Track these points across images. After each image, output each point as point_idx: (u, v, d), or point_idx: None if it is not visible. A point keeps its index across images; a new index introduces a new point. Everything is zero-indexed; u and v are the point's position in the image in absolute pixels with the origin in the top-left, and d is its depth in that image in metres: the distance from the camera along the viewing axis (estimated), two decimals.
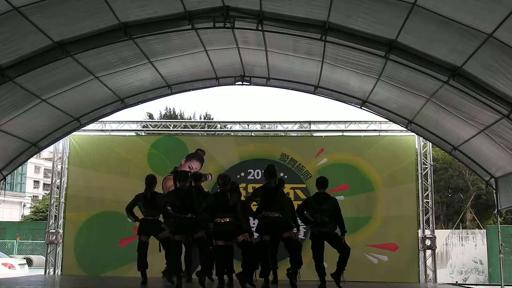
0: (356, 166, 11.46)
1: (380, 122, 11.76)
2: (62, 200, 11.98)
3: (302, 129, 12.40)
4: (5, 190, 12.12)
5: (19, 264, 15.92)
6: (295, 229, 7.52)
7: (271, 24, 7.86)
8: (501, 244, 10.77)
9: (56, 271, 11.68)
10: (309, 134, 12.72)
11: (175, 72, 10.31)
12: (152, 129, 12.99)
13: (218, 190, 7.28)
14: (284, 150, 11.69)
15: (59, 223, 11.92)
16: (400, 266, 10.98)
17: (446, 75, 7.50)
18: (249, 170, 11.58)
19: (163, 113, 30.47)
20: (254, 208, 7.82)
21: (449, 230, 20.86)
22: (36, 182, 49.76)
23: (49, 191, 17.49)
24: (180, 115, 30.42)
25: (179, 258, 7.22)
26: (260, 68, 10.51)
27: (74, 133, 11.32)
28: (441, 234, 18.39)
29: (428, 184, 11.58)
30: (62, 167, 12.15)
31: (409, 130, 10.63)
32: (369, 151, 11.54)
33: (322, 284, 7.19)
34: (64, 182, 12.04)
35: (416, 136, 11.27)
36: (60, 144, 12.06)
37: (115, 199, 10.89)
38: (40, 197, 43.30)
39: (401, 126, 10.68)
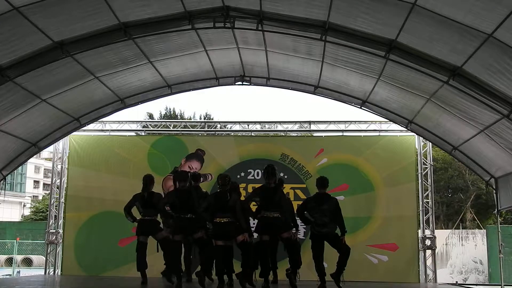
0: (356, 166, 11.46)
1: (380, 122, 11.76)
2: (62, 200, 11.98)
3: (302, 129, 12.40)
4: (5, 190, 12.12)
5: None
6: (294, 229, 7.52)
7: (271, 24, 7.86)
8: (501, 244, 10.77)
9: (56, 271, 11.68)
10: (309, 134, 12.72)
11: (175, 72, 10.31)
12: (152, 129, 12.99)
13: (218, 190, 7.28)
14: (284, 150, 11.69)
15: (59, 223, 11.92)
16: (400, 266, 10.98)
17: (446, 75, 7.50)
18: (249, 170, 11.58)
19: (163, 113, 30.48)
20: (253, 208, 7.82)
21: (449, 230, 20.86)
22: (36, 182, 49.72)
23: (49, 191, 17.49)
24: (180, 115, 30.41)
25: (179, 258, 7.22)
26: (260, 68, 10.51)
27: (74, 133, 11.32)
28: (441, 234, 18.38)
29: (428, 184, 11.58)
30: (62, 167, 12.15)
31: (409, 130, 10.63)
32: (369, 151, 11.53)
33: (322, 284, 7.19)
34: (64, 182, 12.05)
35: (416, 136, 11.27)
36: (60, 144, 12.06)
37: (115, 199, 10.86)
38: (40, 197, 43.24)
39: (401, 126, 10.67)
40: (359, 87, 9.81)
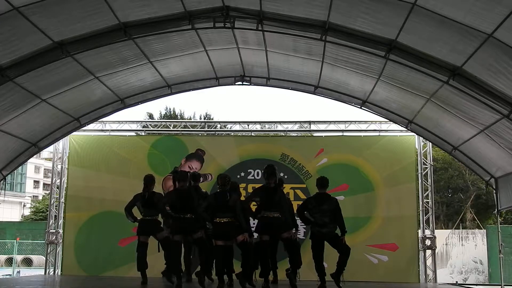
0: (356, 166, 11.46)
1: (380, 122, 11.76)
2: (62, 200, 11.99)
3: (302, 129, 12.40)
4: (5, 190, 12.12)
5: None
6: (294, 229, 7.52)
7: (271, 24, 7.87)
8: (501, 244, 10.78)
9: (56, 271, 11.69)
10: (309, 134, 12.72)
11: (175, 72, 10.31)
12: (152, 129, 12.99)
13: (218, 190, 7.28)
14: (284, 150, 11.70)
15: (59, 223, 11.92)
16: (400, 266, 10.98)
17: (446, 75, 7.50)
18: (249, 170, 11.58)
19: (163, 113, 30.49)
20: (253, 208, 7.82)
21: (449, 230, 20.85)
22: (36, 182, 49.70)
23: (49, 191, 17.49)
24: (180, 115, 30.41)
25: (179, 258, 7.22)
26: (260, 68, 10.51)
27: (74, 133, 11.32)
28: (441, 234, 18.38)
29: (428, 184, 11.58)
30: (62, 167, 12.15)
31: (409, 130, 10.63)
32: (369, 151, 11.54)
33: (322, 284, 7.19)
34: (64, 182, 12.05)
35: (416, 136, 11.27)
36: (60, 144, 12.06)
37: (115, 199, 10.87)
38: (40, 197, 43.21)
39: (401, 126, 10.68)
40: (359, 87, 9.81)
